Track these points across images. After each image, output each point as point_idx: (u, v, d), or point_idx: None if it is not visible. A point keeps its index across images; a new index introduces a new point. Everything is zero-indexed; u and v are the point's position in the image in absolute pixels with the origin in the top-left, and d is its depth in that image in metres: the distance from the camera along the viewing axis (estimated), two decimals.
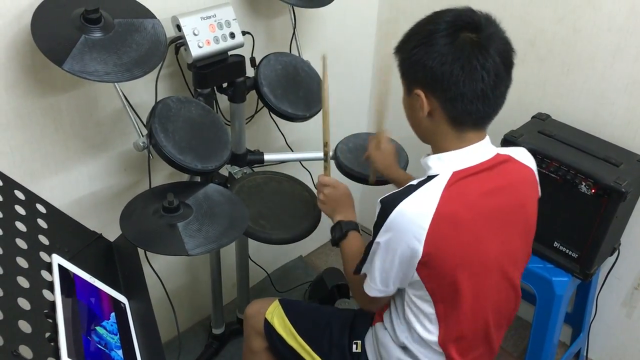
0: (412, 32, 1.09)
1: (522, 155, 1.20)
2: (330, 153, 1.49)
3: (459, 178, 1.08)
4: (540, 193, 1.24)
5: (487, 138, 1.13)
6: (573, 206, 1.59)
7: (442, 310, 1.15)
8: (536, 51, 1.78)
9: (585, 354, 2.05)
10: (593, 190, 1.54)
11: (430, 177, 1.10)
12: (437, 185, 1.07)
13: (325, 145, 1.45)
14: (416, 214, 1.05)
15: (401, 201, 1.06)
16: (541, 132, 1.69)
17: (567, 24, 1.69)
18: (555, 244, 1.67)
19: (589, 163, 1.57)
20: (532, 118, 1.78)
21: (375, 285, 1.17)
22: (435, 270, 1.09)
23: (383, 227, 1.08)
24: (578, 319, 1.98)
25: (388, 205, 1.07)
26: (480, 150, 1.11)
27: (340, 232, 1.37)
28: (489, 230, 1.11)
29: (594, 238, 1.58)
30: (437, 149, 1.13)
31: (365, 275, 1.20)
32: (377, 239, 1.10)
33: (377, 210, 1.11)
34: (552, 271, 1.68)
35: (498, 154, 1.13)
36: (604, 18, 1.61)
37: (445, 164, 1.10)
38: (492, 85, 1.02)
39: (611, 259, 1.77)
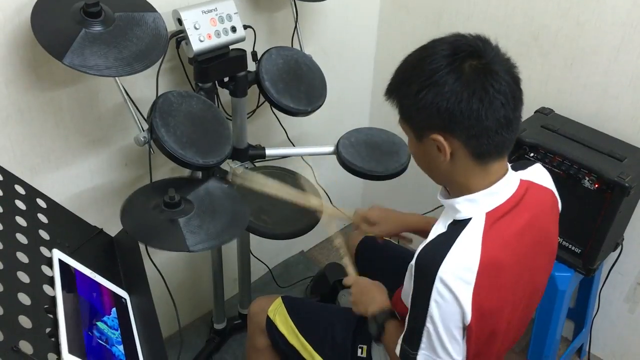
0: (407, 74, 0.99)
1: (540, 176, 1.14)
2: (343, 253, 1.44)
3: (494, 220, 1.00)
4: (560, 207, 1.19)
5: (508, 165, 1.07)
6: (576, 201, 1.58)
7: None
8: (540, 45, 1.77)
9: (587, 349, 2.05)
10: (596, 185, 1.53)
11: (460, 222, 1.01)
12: (474, 233, 0.99)
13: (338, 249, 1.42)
14: (462, 270, 0.96)
15: (442, 260, 0.96)
16: (544, 127, 1.68)
17: (570, 18, 1.67)
18: (559, 239, 1.66)
19: (592, 158, 1.56)
20: (535, 112, 1.77)
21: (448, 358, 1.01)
22: (479, 324, 0.99)
23: (432, 298, 0.96)
24: (580, 315, 1.98)
25: (428, 269, 0.96)
26: (508, 184, 1.04)
27: (376, 327, 1.22)
28: (523, 269, 1.06)
29: (597, 233, 1.57)
30: (461, 189, 1.04)
31: None
32: (430, 314, 0.97)
33: (413, 274, 1.00)
34: (555, 266, 1.65)
35: (522, 181, 1.07)
36: (608, 12, 1.60)
37: (477, 206, 1.02)
38: (512, 108, 0.96)
39: (614, 255, 1.76)
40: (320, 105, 1.69)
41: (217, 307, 1.97)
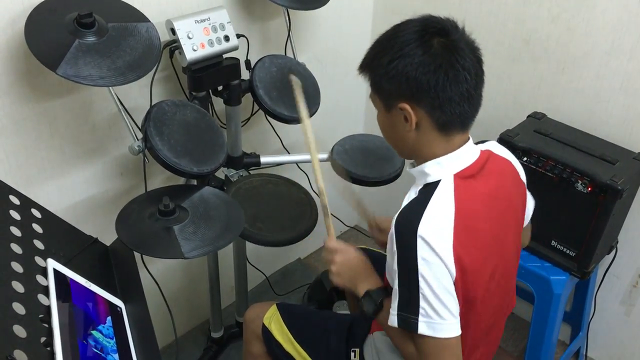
0: (379, 48, 1.08)
1: (497, 148, 1.20)
2: (328, 205, 1.29)
3: (462, 180, 1.06)
4: (525, 182, 1.22)
5: (470, 137, 1.11)
6: (570, 205, 1.59)
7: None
8: (531, 50, 1.78)
9: (584, 352, 2.05)
10: (589, 189, 1.54)
11: (431, 184, 1.06)
12: (446, 191, 1.04)
13: (321, 194, 1.27)
14: (440, 225, 1.00)
15: (420, 219, 1.00)
16: (537, 131, 1.69)
17: (561, 22, 1.69)
18: (553, 242, 1.67)
19: (585, 161, 1.57)
20: (527, 117, 1.78)
21: (451, 318, 1.01)
22: (461, 280, 1.02)
23: (418, 256, 0.98)
24: (577, 318, 1.98)
25: (407, 231, 1.00)
26: (470, 152, 1.10)
27: (373, 304, 1.16)
28: (494, 234, 1.09)
29: (591, 236, 1.58)
30: (426, 159, 1.09)
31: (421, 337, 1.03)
32: (421, 273, 0.98)
33: (395, 241, 1.02)
34: (550, 270, 1.68)
35: (482, 151, 1.13)
36: (598, 17, 1.61)
37: (444, 168, 1.07)
38: (474, 85, 1.03)
39: (609, 257, 1.77)
40: (314, 113, 1.70)
41: (214, 315, 1.97)
